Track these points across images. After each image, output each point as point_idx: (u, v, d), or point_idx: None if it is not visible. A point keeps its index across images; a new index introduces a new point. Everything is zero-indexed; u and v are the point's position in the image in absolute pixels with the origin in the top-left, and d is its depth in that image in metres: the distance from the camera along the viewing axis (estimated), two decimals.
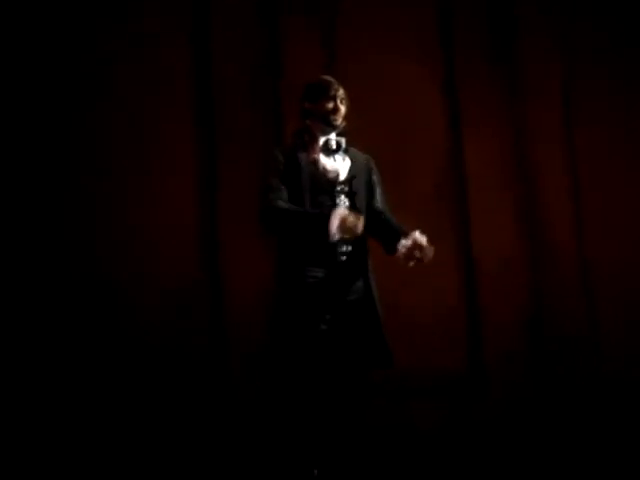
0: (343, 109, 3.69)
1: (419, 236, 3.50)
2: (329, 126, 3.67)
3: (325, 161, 3.66)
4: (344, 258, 3.60)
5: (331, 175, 3.64)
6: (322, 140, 3.69)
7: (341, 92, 3.71)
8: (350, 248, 3.62)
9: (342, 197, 3.63)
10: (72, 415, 4.82)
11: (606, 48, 5.51)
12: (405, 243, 3.51)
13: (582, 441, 4.96)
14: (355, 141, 3.77)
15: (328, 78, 3.78)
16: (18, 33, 5.04)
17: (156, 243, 5.08)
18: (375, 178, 3.78)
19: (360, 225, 3.38)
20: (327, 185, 3.63)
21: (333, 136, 3.70)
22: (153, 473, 4.72)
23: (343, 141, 3.70)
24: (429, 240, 3.50)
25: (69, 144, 5.08)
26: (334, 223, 3.38)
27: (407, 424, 4.93)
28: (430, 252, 3.50)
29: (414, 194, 5.21)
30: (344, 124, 3.71)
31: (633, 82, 5.51)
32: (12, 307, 4.85)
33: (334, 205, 3.58)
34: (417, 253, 3.49)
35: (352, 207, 3.61)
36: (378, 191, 3.77)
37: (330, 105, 3.67)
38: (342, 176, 3.66)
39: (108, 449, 4.78)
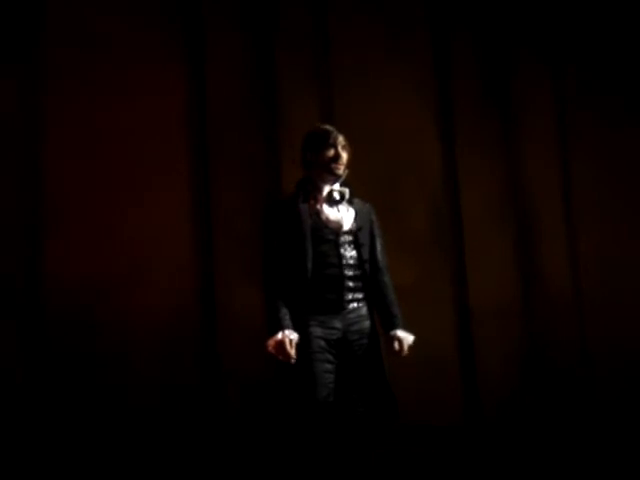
0: (345, 156, 3.67)
1: (397, 344, 3.68)
2: (332, 175, 3.65)
3: (328, 212, 3.64)
4: (352, 305, 3.62)
5: (333, 225, 3.62)
6: (326, 190, 3.66)
7: (341, 139, 3.69)
8: (359, 295, 3.64)
9: (346, 246, 3.63)
10: (61, 454, 4.76)
11: (600, 89, 5.56)
12: (390, 342, 3.70)
13: None
14: (353, 184, 3.74)
15: (326, 127, 3.77)
16: None
17: (151, 273, 5.03)
18: (377, 231, 3.77)
19: (291, 357, 3.45)
20: (330, 235, 3.61)
21: (337, 186, 3.68)
22: None
23: (347, 191, 3.68)
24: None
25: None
26: (271, 341, 3.48)
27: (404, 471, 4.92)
28: (408, 350, 3.71)
29: (410, 239, 5.22)
30: (347, 172, 3.70)
31: (627, 121, 5.56)
32: None
33: (338, 255, 3.59)
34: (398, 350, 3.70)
35: (359, 258, 3.64)
36: (379, 243, 3.76)
37: (331, 153, 3.65)
38: (346, 226, 3.65)
39: None
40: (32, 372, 4.87)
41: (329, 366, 3.53)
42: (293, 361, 3.47)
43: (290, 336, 3.47)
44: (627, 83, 5.59)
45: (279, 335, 3.47)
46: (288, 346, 3.45)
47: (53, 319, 4.90)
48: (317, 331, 3.53)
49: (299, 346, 3.50)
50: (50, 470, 4.71)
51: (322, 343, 3.53)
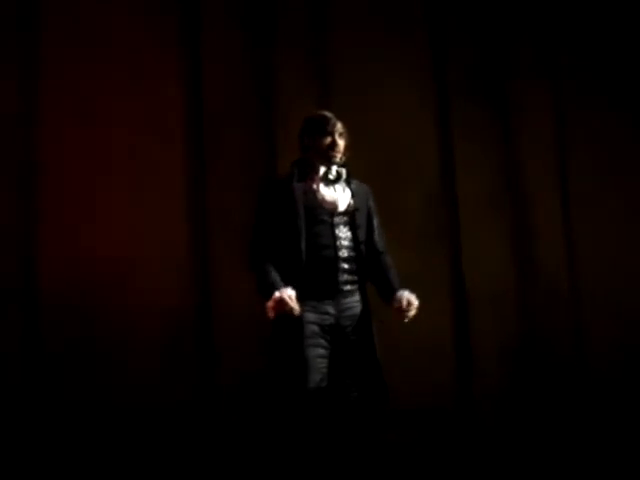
0: (342, 144, 3.65)
1: (405, 301, 3.60)
2: (328, 161, 3.63)
3: (324, 191, 3.62)
4: (347, 287, 3.59)
5: (328, 206, 3.60)
6: (322, 170, 3.64)
7: (339, 126, 3.67)
8: (353, 277, 3.60)
9: (341, 227, 3.60)
10: (60, 453, 4.75)
11: (599, 88, 5.58)
12: (397, 302, 3.61)
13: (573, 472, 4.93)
14: (351, 169, 3.72)
15: (325, 113, 3.74)
16: None
17: (149, 273, 5.03)
18: (373, 211, 3.74)
19: (295, 309, 3.42)
20: (325, 216, 3.58)
21: (334, 166, 3.65)
22: None
23: (344, 171, 3.66)
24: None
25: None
26: (269, 302, 3.44)
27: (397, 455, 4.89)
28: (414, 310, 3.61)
29: (406, 228, 5.21)
30: (344, 158, 3.67)
31: (626, 120, 5.57)
32: None
33: (333, 236, 3.56)
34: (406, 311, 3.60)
35: (354, 240, 3.60)
36: (376, 224, 3.73)
37: (328, 140, 3.63)
38: (341, 207, 3.62)
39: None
40: (31, 372, 4.87)
41: (322, 351, 3.50)
42: (297, 313, 3.42)
43: (288, 291, 3.43)
44: (626, 83, 5.60)
45: (276, 294, 3.43)
46: (288, 299, 3.40)
47: (51, 319, 4.91)
48: (310, 316, 3.50)
49: (292, 331, 3.47)
50: (49, 469, 4.70)
51: (315, 328, 3.50)
